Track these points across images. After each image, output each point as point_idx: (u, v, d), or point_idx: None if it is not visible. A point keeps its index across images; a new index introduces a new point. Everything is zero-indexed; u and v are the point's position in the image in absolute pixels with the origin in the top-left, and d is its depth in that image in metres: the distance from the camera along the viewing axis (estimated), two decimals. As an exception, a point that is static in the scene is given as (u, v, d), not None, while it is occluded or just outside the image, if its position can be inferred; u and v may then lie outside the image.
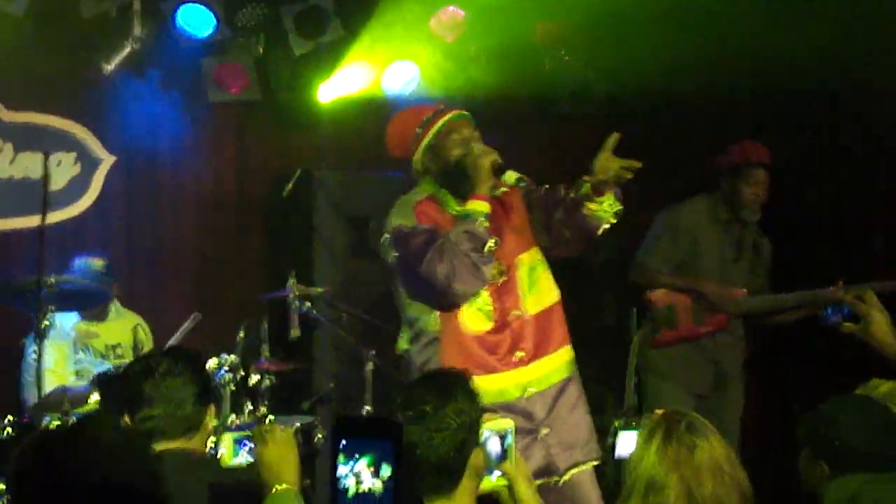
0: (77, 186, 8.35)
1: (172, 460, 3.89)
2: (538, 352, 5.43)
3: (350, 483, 2.76)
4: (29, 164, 8.19)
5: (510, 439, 4.11)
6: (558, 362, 5.50)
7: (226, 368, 6.80)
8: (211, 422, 4.30)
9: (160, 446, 4.10)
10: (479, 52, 8.66)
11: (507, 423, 4.12)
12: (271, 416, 6.91)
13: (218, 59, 8.39)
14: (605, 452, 5.67)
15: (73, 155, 8.34)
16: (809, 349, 7.94)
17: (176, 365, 4.12)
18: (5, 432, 6.48)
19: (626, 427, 5.32)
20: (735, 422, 7.55)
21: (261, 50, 8.45)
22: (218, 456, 4.45)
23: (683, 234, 7.56)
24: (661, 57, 7.89)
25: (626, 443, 5.13)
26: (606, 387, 7.59)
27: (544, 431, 5.38)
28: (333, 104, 8.61)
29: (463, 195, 5.39)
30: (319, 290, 7.73)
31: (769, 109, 8.77)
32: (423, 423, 3.76)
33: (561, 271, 5.72)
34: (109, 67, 8.08)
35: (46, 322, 6.54)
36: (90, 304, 7.39)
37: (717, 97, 8.51)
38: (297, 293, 7.42)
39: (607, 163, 5.21)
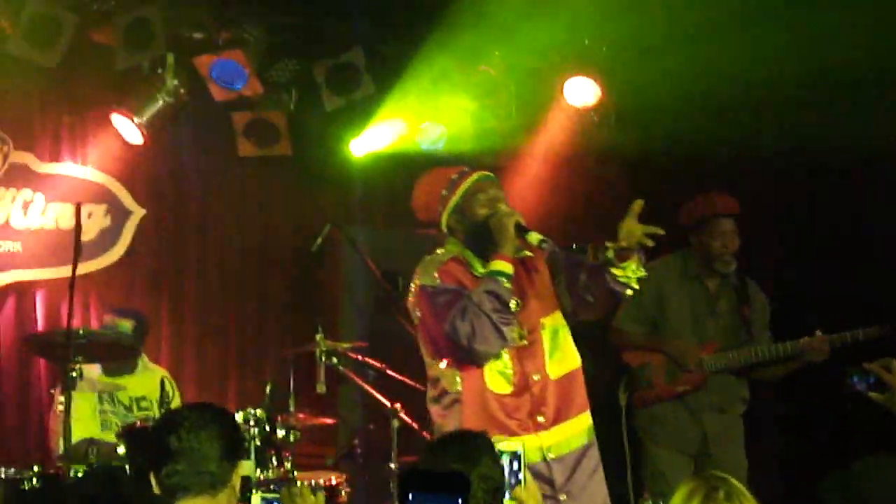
0: (107, 238, 8.40)
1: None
2: (559, 417, 5.40)
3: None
4: (60, 215, 8.26)
5: (522, 465, 4.13)
6: (578, 428, 5.47)
7: (252, 423, 6.79)
8: (238, 480, 4.24)
9: (184, 503, 4.07)
10: (508, 109, 8.68)
11: (517, 446, 4.15)
12: (296, 473, 6.89)
13: (249, 114, 8.43)
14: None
15: (103, 207, 8.41)
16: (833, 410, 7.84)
17: (202, 419, 4.07)
18: (31, 482, 6.49)
19: None
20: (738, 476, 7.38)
21: (292, 105, 8.51)
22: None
23: (648, 291, 7.33)
24: (692, 120, 7.89)
25: None
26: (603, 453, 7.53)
27: (562, 498, 5.34)
28: (363, 160, 8.64)
29: (487, 256, 5.39)
30: (346, 345, 7.74)
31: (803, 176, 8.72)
32: None
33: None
34: (141, 121, 8.14)
35: (74, 373, 6.55)
36: (118, 357, 7.40)
37: (742, 160, 8.49)
38: (323, 348, 7.44)
39: (632, 228, 5.21)
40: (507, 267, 5.30)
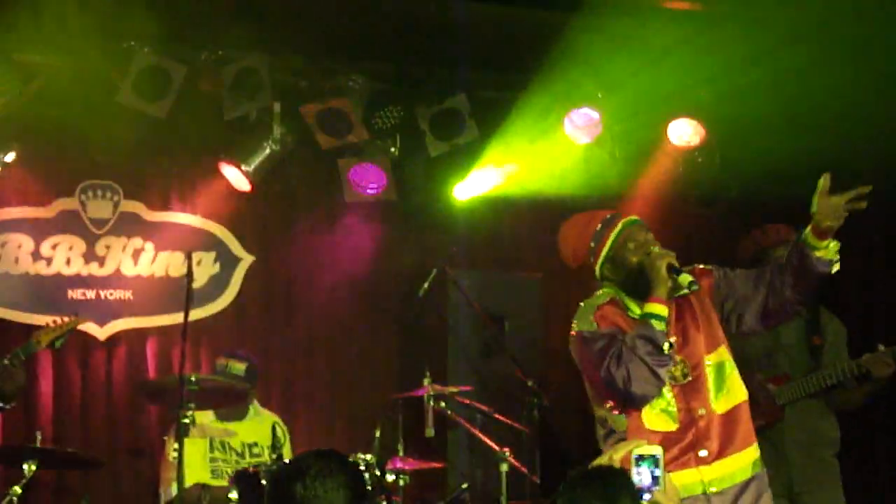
0: (217, 285, 8.51)
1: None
2: (723, 451, 5.36)
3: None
4: (170, 263, 8.39)
5: (661, 466, 4.13)
6: (743, 462, 5.41)
7: (362, 467, 6.81)
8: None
9: (308, 551, 4.07)
10: (612, 150, 8.68)
11: (657, 449, 4.15)
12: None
13: (355, 160, 8.51)
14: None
15: (212, 254, 8.52)
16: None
17: (328, 467, 4.06)
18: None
19: None
20: None
21: (396, 151, 8.57)
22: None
23: None
24: (795, 160, 7.84)
25: None
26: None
27: None
28: (467, 204, 8.68)
29: (643, 297, 5.39)
30: (454, 389, 7.75)
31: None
32: None
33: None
34: (248, 168, 8.24)
35: (187, 420, 6.62)
36: (230, 403, 7.48)
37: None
38: (432, 392, 7.45)
39: (833, 203, 5.23)
40: (660, 309, 5.29)
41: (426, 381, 7.48)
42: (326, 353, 8.77)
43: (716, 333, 5.51)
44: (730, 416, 5.41)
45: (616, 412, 5.39)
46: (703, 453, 5.32)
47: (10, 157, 7.92)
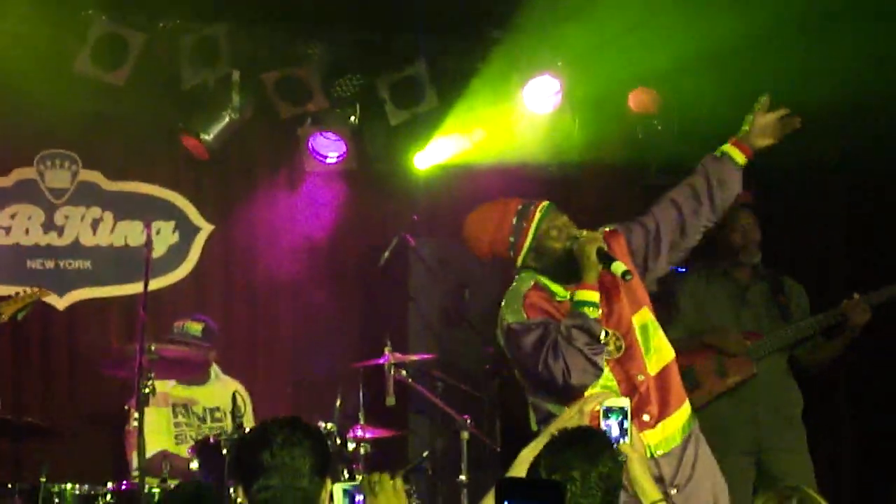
0: (176, 254, 8.48)
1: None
2: (662, 413, 5.36)
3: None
4: (129, 233, 8.35)
5: (628, 418, 4.29)
6: (682, 420, 5.42)
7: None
8: (327, 496, 4.24)
9: (276, 519, 4.08)
10: (571, 120, 8.68)
11: (625, 401, 4.35)
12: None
13: (314, 129, 8.48)
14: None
15: (172, 223, 8.49)
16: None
17: (294, 434, 4.07)
18: (106, 499, 6.57)
19: None
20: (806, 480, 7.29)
21: (356, 120, 8.55)
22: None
23: (684, 300, 7.41)
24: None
25: None
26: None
27: (673, 492, 5.31)
28: (428, 172, 8.67)
29: (568, 281, 5.35)
30: (415, 357, 7.77)
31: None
32: (569, 488, 3.80)
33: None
34: (208, 138, 8.20)
35: (147, 389, 6.61)
36: (190, 373, 7.48)
37: (813, 171, 8.46)
38: (392, 361, 7.46)
39: (768, 119, 5.28)
40: (592, 296, 5.23)
41: (387, 350, 7.49)
42: (287, 321, 8.76)
43: (636, 294, 5.49)
44: (663, 377, 5.42)
45: (554, 401, 5.37)
46: (645, 417, 5.31)
47: (-34, 126, 7.88)
